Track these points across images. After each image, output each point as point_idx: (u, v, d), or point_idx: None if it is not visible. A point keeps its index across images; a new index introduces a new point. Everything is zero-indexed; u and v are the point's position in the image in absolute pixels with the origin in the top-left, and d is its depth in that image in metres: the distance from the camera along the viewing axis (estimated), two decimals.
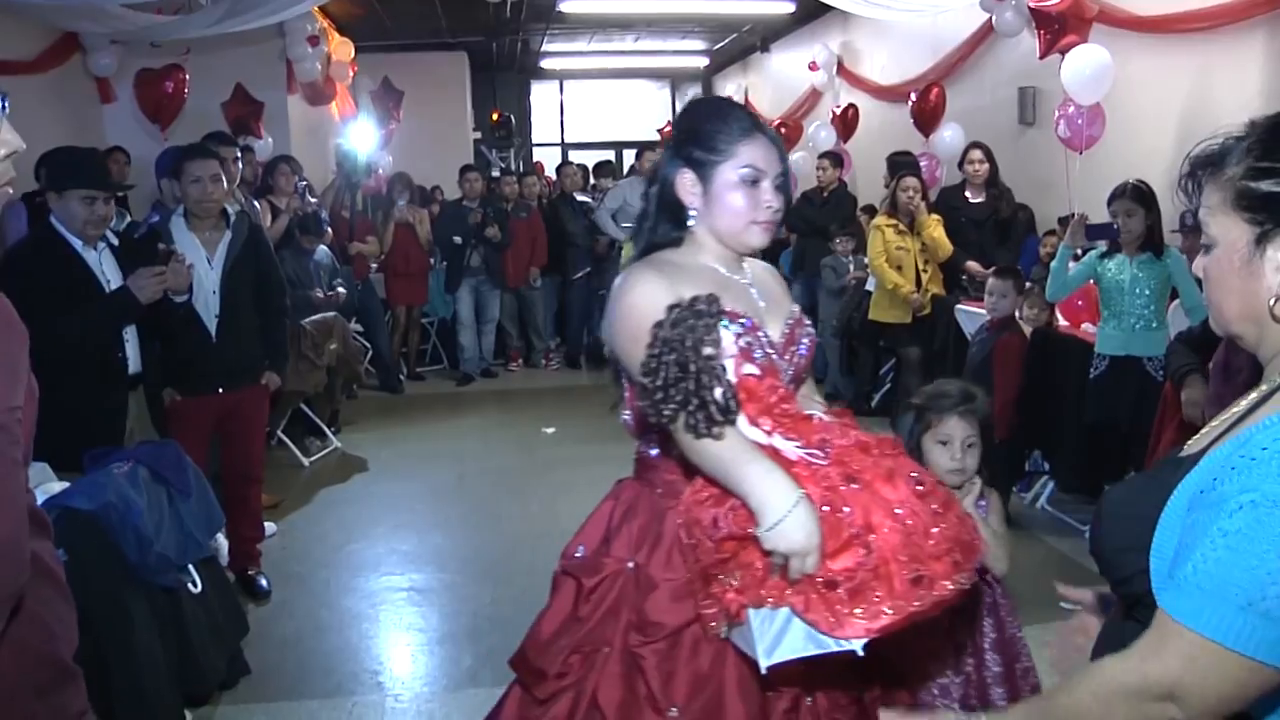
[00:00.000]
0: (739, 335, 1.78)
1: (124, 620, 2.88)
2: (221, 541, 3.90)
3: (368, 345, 8.04)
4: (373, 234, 8.42)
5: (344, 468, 6.25)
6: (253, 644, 3.64)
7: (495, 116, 13.84)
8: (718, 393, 1.60)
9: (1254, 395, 1.24)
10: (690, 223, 1.94)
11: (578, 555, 2.00)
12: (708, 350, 1.62)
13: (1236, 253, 1.20)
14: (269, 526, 4.73)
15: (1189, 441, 1.32)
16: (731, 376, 1.65)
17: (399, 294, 8.59)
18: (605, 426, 7.04)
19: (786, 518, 1.52)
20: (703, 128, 1.91)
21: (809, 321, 2.07)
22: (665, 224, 1.97)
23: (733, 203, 1.88)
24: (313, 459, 6.28)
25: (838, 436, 1.66)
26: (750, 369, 1.71)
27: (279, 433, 6.09)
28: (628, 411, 1.99)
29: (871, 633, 1.54)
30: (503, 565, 4.64)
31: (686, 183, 1.91)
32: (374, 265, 8.43)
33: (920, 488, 1.61)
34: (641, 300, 1.77)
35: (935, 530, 1.58)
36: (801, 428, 1.67)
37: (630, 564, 1.91)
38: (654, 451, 1.96)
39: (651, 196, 1.99)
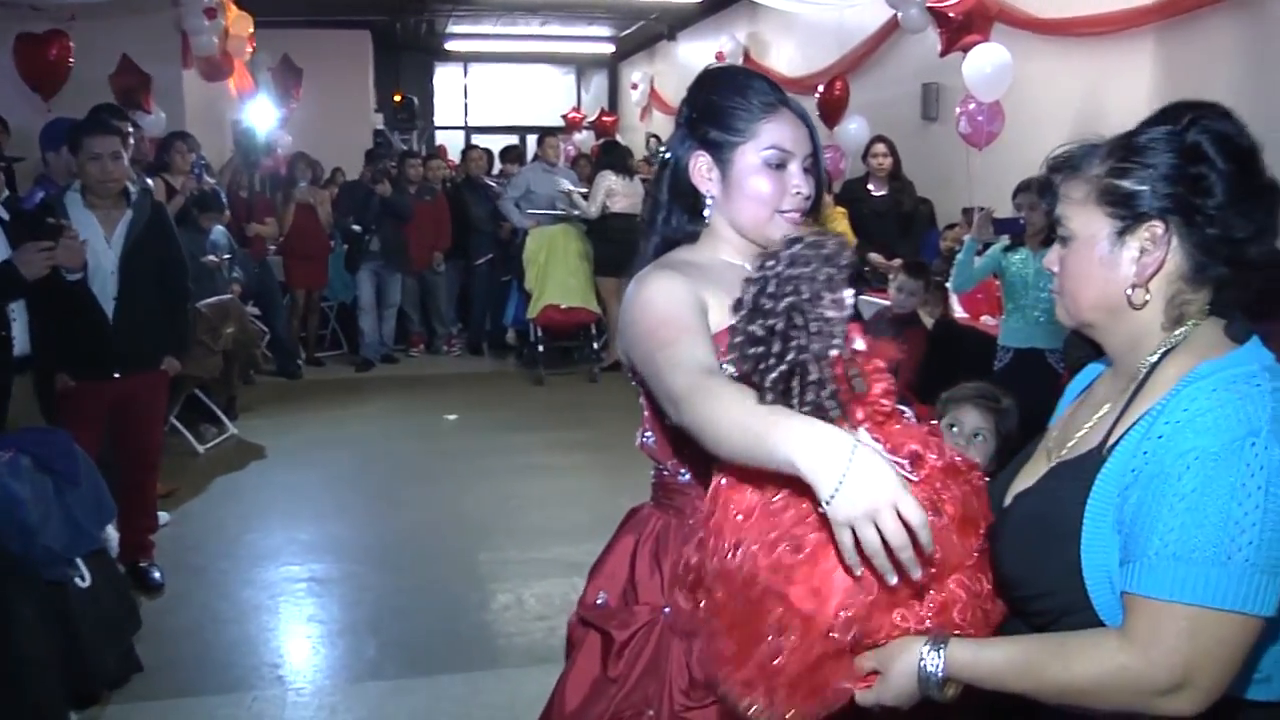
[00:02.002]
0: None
1: (4, 616, 2.75)
2: (112, 533, 3.75)
3: (265, 329, 7.82)
4: (271, 215, 8.19)
5: (241, 455, 6.06)
6: (145, 639, 3.50)
7: (398, 98, 13.61)
8: (828, 371, 1.26)
9: (1120, 387, 1.31)
10: (706, 213, 1.67)
11: (599, 603, 1.70)
12: (829, 309, 1.27)
13: (1097, 245, 1.28)
14: (163, 516, 4.56)
15: (1069, 444, 1.36)
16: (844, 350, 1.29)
17: (298, 277, 8.38)
18: (508, 415, 7.09)
19: (850, 468, 1.11)
20: (719, 103, 1.63)
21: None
22: (680, 215, 1.71)
23: (756, 189, 1.61)
24: (208, 446, 6.08)
25: (932, 450, 1.29)
26: (860, 344, 1.34)
27: (172, 419, 5.88)
28: (649, 432, 1.71)
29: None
30: (405, 554, 4.56)
31: (702, 167, 1.65)
32: (272, 247, 8.21)
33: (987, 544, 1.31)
34: (660, 294, 1.50)
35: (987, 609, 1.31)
36: (891, 430, 1.31)
37: (666, 609, 1.59)
38: (684, 476, 1.66)
39: (663, 183, 1.72)
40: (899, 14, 7.17)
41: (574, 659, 1.70)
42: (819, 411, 1.23)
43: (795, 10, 9.58)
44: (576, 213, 8.08)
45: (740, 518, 1.30)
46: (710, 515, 1.36)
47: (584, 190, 8.20)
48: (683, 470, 1.66)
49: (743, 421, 1.23)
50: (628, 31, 14.77)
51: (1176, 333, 1.27)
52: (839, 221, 6.49)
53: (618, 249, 8.06)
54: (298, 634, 3.86)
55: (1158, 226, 1.24)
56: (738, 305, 1.33)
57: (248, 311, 6.61)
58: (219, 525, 4.91)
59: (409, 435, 6.66)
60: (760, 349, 1.27)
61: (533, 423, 6.97)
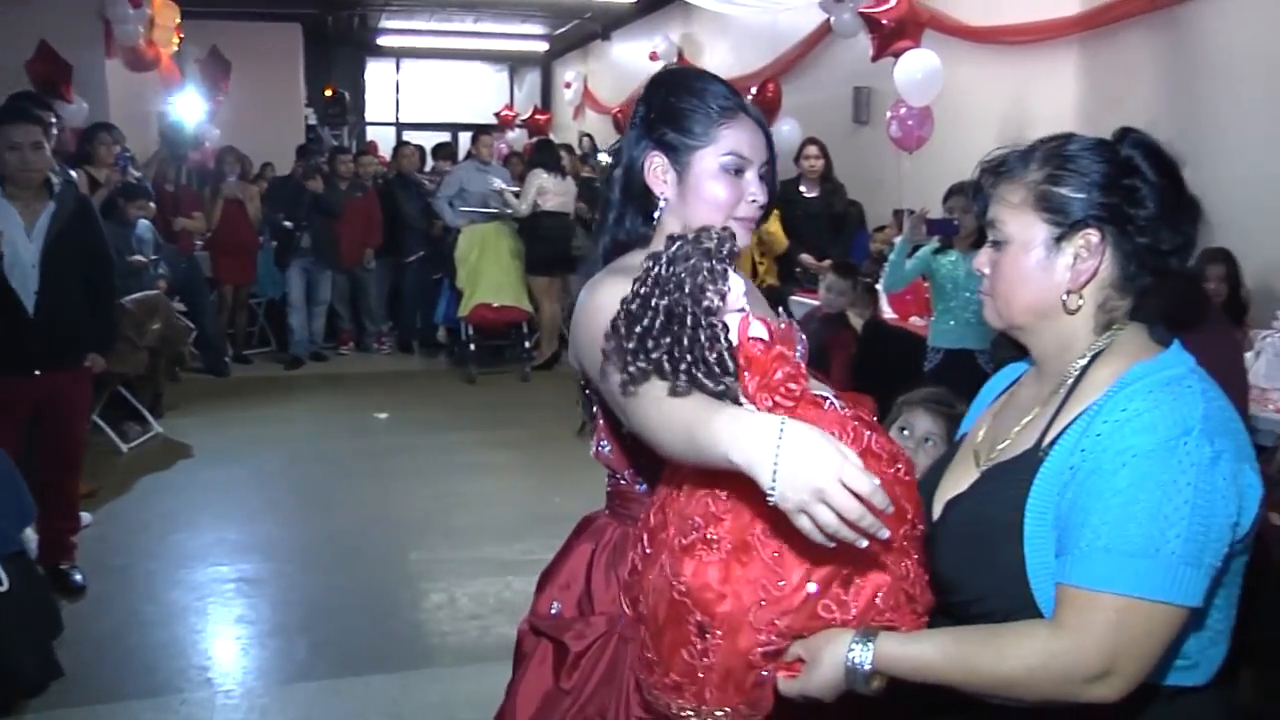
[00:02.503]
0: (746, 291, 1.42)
1: None
2: (31, 535, 3.65)
3: (192, 325, 7.66)
4: (199, 209, 8.02)
5: (166, 454, 5.94)
6: (67, 644, 3.38)
7: (329, 93, 13.43)
8: (712, 355, 1.26)
9: (1050, 389, 1.34)
10: (657, 215, 1.64)
11: (553, 613, 1.67)
12: (710, 301, 1.29)
13: (1033, 250, 1.31)
14: (84, 517, 4.43)
15: (999, 447, 1.40)
16: (734, 338, 1.30)
17: (226, 273, 8.23)
18: (440, 413, 7.04)
19: (780, 451, 1.09)
20: (677, 105, 1.60)
21: (801, 334, 1.75)
22: (634, 216, 1.67)
23: (713, 194, 1.58)
24: (132, 445, 5.95)
25: (848, 435, 1.27)
26: (759, 330, 1.33)
27: (94, 417, 5.75)
28: (604, 441, 1.68)
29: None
30: (336, 554, 4.52)
31: (657, 169, 1.62)
32: (199, 242, 8.04)
33: (915, 530, 1.32)
34: (609, 300, 1.43)
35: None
36: (809, 415, 1.27)
37: (622, 620, 1.57)
38: (641, 486, 1.64)
39: (616, 183, 1.68)
40: (831, 18, 7.25)
41: (525, 669, 1.66)
42: (704, 378, 1.25)
43: (729, 12, 9.64)
44: (509, 211, 8.05)
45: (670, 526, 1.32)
46: (649, 524, 1.37)
47: (516, 189, 8.18)
48: (640, 480, 1.64)
49: (677, 419, 1.23)
50: (561, 30, 14.74)
51: (1104, 337, 1.31)
52: (771, 222, 6.55)
53: (549, 247, 8.06)
54: (227, 635, 3.80)
55: (1093, 234, 1.28)
56: (623, 302, 1.33)
57: (174, 307, 6.47)
58: (144, 526, 4.81)
59: (339, 434, 6.58)
60: (645, 345, 1.28)
61: (464, 421, 6.94)
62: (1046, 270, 1.31)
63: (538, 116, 15.40)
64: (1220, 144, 4.57)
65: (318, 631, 3.76)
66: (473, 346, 8.10)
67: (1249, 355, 3.94)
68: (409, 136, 13.18)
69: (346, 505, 5.16)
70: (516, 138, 14.57)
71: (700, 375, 1.25)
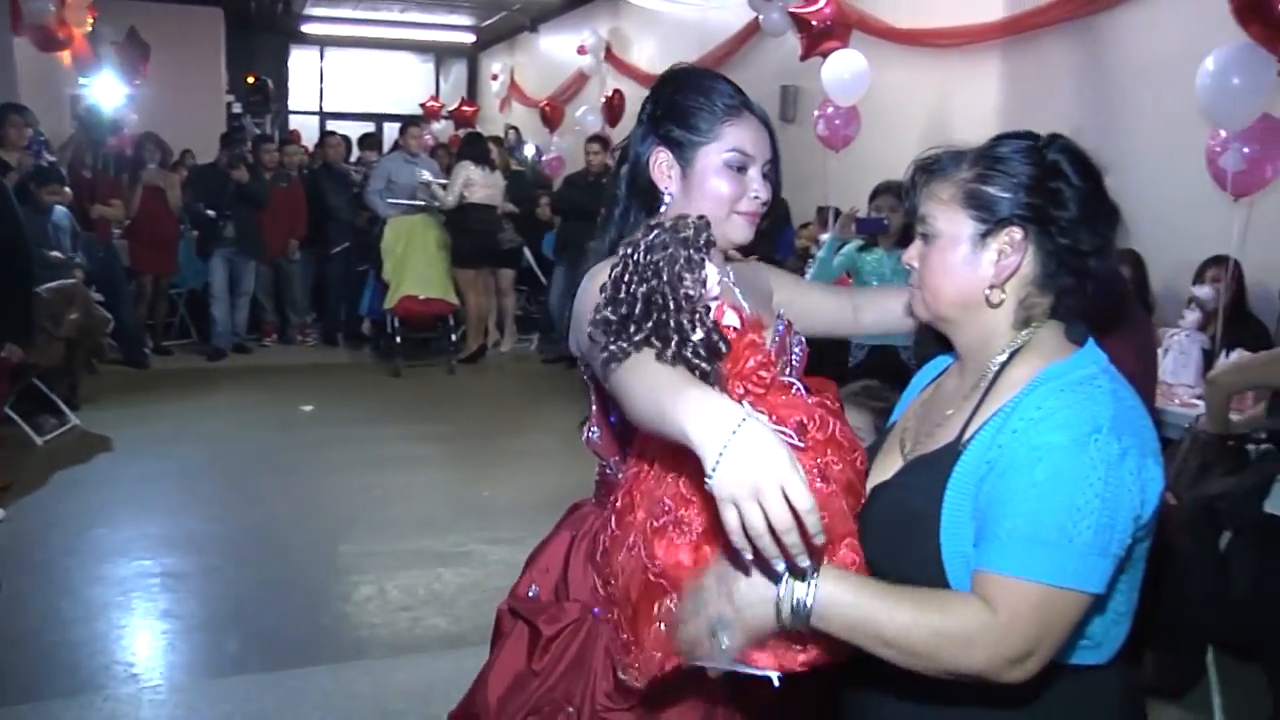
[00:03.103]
0: (721, 280, 1.44)
1: None
2: None
3: (110, 316, 7.49)
4: (117, 197, 7.83)
5: (84, 447, 5.79)
6: None
7: (251, 80, 13.17)
8: (698, 334, 1.28)
9: (971, 384, 1.40)
10: (662, 210, 1.66)
11: (530, 595, 1.70)
12: (689, 288, 1.30)
13: (959, 245, 1.37)
14: None
15: (922, 439, 1.45)
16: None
17: (146, 262, 8.06)
18: (366, 406, 6.99)
19: (733, 440, 1.08)
20: (683, 102, 1.64)
21: (799, 334, 1.79)
22: (638, 212, 1.69)
23: (716, 190, 1.62)
24: (47, 438, 5.79)
25: (815, 422, 1.31)
26: (732, 319, 1.39)
27: (5, 409, 5.59)
28: (594, 428, 1.70)
29: (789, 667, 1.29)
30: (264, 547, 4.47)
31: (662, 164, 1.65)
32: (118, 231, 7.86)
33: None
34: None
35: None
36: (777, 401, 1.33)
37: (596, 610, 1.60)
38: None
39: (622, 178, 1.70)
40: (760, 17, 7.33)
41: (500, 648, 1.70)
42: (694, 358, 1.27)
43: (658, 8, 9.72)
44: (436, 204, 8.01)
45: (638, 507, 1.34)
46: (617, 506, 1.40)
47: (443, 181, 8.14)
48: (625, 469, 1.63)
49: (652, 385, 1.23)
50: (489, 22, 14.66)
51: (1023, 333, 1.37)
52: None
53: (476, 240, 8.04)
54: (153, 630, 3.72)
55: (1016, 232, 1.33)
56: (601, 289, 1.35)
57: (92, 297, 6.32)
58: (61, 520, 4.69)
59: (264, 426, 6.50)
60: (617, 331, 1.29)
61: (391, 414, 6.90)
62: (971, 265, 1.36)
63: (464, 108, 15.29)
64: (1132, 148, 4.74)
65: (247, 625, 3.72)
66: (399, 339, 8.03)
67: (1159, 352, 4.10)
68: (333, 126, 13.01)
69: (273, 498, 5.10)
70: (442, 129, 14.47)
71: (688, 355, 1.26)
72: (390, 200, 8.13)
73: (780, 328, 1.74)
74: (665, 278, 1.29)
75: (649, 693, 1.40)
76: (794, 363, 1.73)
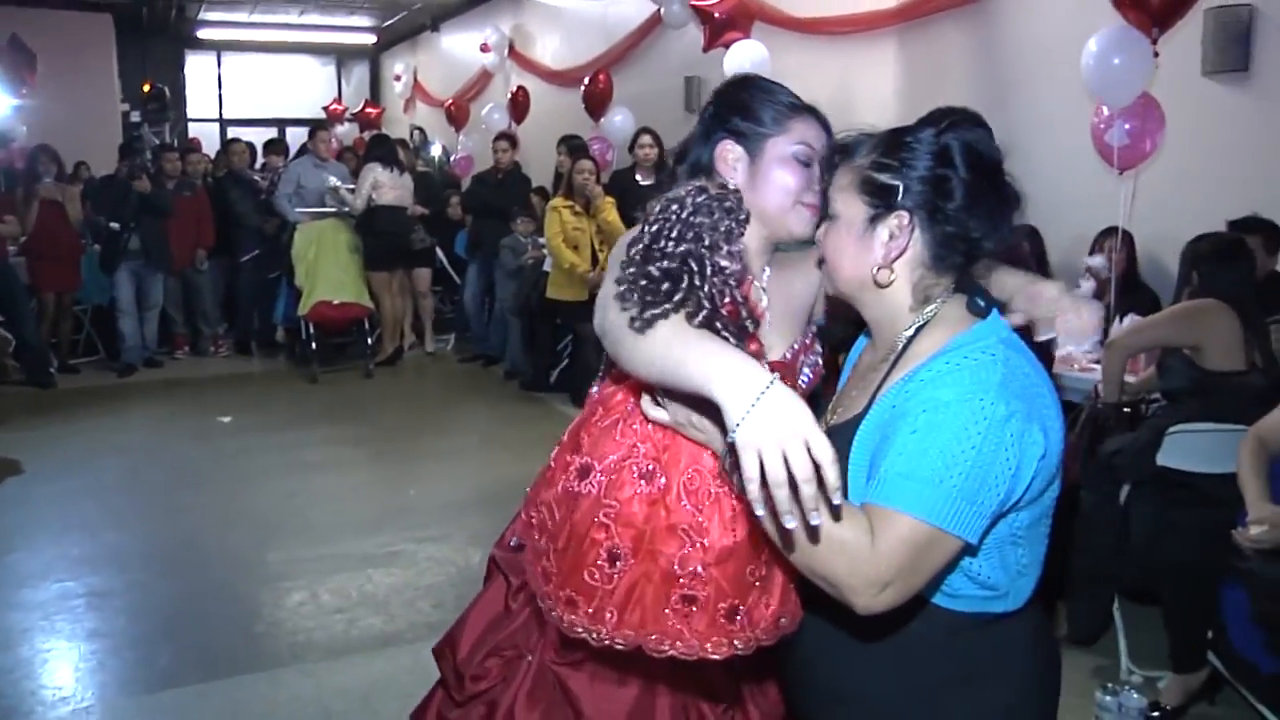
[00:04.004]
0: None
1: None
2: None
3: (10, 336, 7.29)
4: (11, 213, 7.59)
5: None
6: None
7: (147, 88, 12.86)
8: (725, 308, 1.32)
9: (881, 358, 1.49)
10: None
11: (511, 545, 1.74)
12: (723, 259, 1.34)
13: (854, 227, 1.45)
14: None
15: (838, 410, 1.54)
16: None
17: (47, 279, 7.83)
18: (285, 413, 6.91)
19: (762, 399, 1.17)
20: (749, 100, 1.67)
21: (820, 349, 1.78)
22: None
23: (782, 180, 1.63)
24: None
25: None
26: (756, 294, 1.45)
27: None
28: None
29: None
30: (190, 559, 4.43)
31: (728, 155, 1.65)
32: (13, 248, 7.62)
33: None
34: None
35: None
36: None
37: (513, 540, 1.70)
38: None
39: (682, 175, 1.70)
40: (661, 9, 7.43)
41: (485, 588, 1.81)
42: (721, 328, 1.32)
43: (559, 3, 9.75)
44: (346, 209, 7.94)
45: (594, 441, 1.42)
46: (562, 441, 1.48)
47: (351, 186, 8.06)
48: None
49: (669, 339, 1.28)
50: (390, 22, 14.53)
51: (926, 310, 1.46)
52: (609, 212, 6.65)
53: (387, 242, 7.99)
54: (80, 651, 3.66)
55: (903, 217, 1.42)
56: (633, 242, 1.38)
57: None
58: None
59: (181, 440, 6.39)
60: (653, 288, 1.32)
61: (310, 420, 6.84)
62: (863, 246, 1.44)
63: (369, 110, 15.14)
64: (1025, 126, 4.93)
65: (180, 638, 3.69)
66: (314, 345, 7.95)
67: None
68: (234, 133, 12.77)
69: (197, 511, 5.04)
70: (346, 132, 14.30)
71: (717, 326, 1.31)
72: (299, 209, 8.02)
73: (796, 345, 1.74)
74: (707, 242, 1.34)
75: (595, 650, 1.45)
76: (802, 384, 1.73)
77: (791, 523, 1.17)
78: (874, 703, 1.45)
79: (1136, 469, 3.25)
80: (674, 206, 1.37)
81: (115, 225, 7.89)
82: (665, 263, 1.32)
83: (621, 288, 1.35)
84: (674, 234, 1.34)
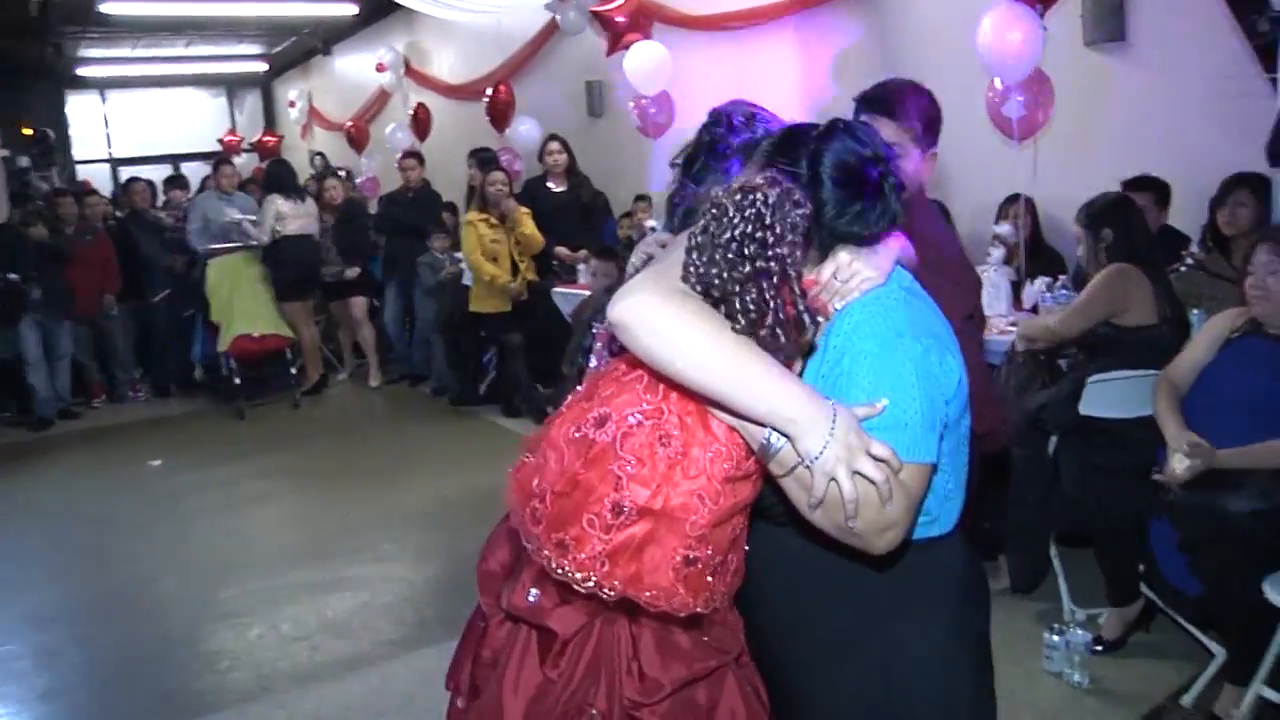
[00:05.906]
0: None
1: None
2: None
3: None
4: None
5: None
6: None
7: (28, 131, 12.48)
8: (792, 309, 1.37)
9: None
10: None
11: (531, 600, 1.53)
12: (788, 250, 1.37)
13: None
14: None
15: None
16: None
17: None
18: (215, 451, 6.81)
19: (834, 432, 1.33)
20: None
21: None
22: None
23: None
24: None
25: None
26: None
27: None
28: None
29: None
30: (140, 605, 4.37)
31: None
32: None
33: None
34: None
35: None
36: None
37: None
38: None
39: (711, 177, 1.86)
40: (557, 17, 7.50)
41: (505, 669, 1.56)
42: (781, 334, 1.36)
43: (453, 18, 9.73)
44: (252, 241, 7.83)
45: (614, 392, 1.48)
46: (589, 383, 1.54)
47: (253, 218, 7.94)
48: None
49: (731, 356, 1.34)
50: (280, 48, 14.35)
51: None
52: (526, 224, 6.69)
53: (295, 271, 7.90)
54: (36, 712, 3.57)
55: None
56: (711, 218, 1.37)
57: None
58: None
59: (110, 489, 6.26)
60: (732, 272, 1.35)
61: (242, 455, 6.75)
62: None
63: (266, 139, 14.93)
64: None
65: (141, 685, 3.64)
66: (238, 380, 7.84)
67: None
68: (128, 172, 12.48)
69: (141, 558, 4.96)
70: (245, 163, 14.08)
71: (778, 330, 1.36)
72: (207, 247, 7.88)
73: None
74: (788, 240, 1.36)
75: (677, 683, 1.49)
76: None
77: (855, 524, 1.34)
78: (826, 634, 1.60)
79: (1061, 421, 3.42)
80: (755, 197, 1.36)
81: (14, 276, 7.66)
82: (741, 244, 1.35)
83: (692, 256, 1.38)
84: (756, 223, 1.35)
